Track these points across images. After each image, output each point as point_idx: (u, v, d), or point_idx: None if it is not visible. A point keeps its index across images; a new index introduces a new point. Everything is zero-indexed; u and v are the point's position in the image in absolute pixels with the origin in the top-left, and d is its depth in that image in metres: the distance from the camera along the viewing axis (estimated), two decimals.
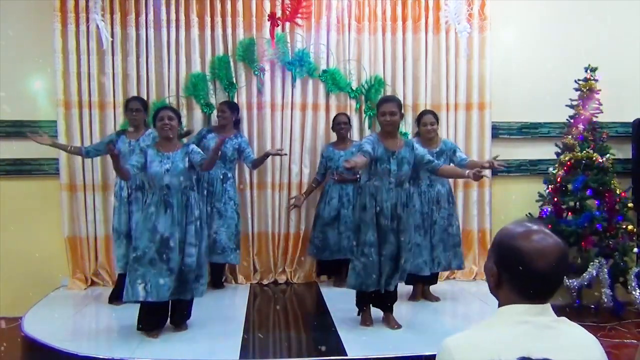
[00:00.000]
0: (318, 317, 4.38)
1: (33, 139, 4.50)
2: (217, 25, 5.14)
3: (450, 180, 4.83)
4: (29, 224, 5.03)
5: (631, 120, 5.32)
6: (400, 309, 4.13)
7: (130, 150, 4.46)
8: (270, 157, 5.06)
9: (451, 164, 4.38)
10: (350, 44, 5.29)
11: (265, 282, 5.27)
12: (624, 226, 4.82)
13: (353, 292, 3.99)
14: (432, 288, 4.70)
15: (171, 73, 5.13)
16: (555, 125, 5.37)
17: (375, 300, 3.96)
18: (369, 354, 3.47)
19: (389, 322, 3.94)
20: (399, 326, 3.91)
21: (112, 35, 5.00)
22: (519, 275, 1.40)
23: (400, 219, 3.80)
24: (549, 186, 5.00)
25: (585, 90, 4.96)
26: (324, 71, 5.24)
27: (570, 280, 4.64)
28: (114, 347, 3.63)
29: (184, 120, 4.95)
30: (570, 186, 4.91)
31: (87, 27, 4.98)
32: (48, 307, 4.55)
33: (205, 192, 4.79)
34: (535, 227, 1.43)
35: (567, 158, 4.94)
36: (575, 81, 5.01)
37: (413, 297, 4.63)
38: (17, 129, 4.94)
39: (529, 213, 5.01)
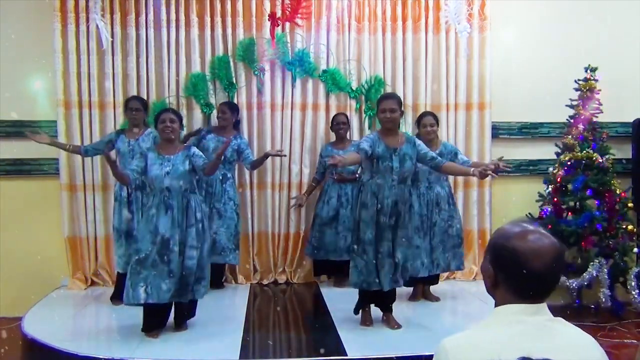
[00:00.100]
0: (318, 317, 4.39)
1: (32, 138, 4.51)
2: (217, 25, 5.14)
3: (451, 180, 4.83)
4: (29, 224, 5.03)
5: (631, 120, 5.32)
6: (400, 309, 4.13)
7: (129, 149, 4.46)
8: (270, 157, 5.06)
9: None
10: (350, 44, 5.29)
11: (265, 282, 5.27)
12: (624, 226, 4.82)
13: (353, 292, 3.99)
14: (432, 288, 4.70)
15: (171, 73, 5.13)
16: (555, 125, 5.37)
17: (376, 300, 3.96)
18: (369, 354, 3.47)
19: (389, 322, 3.94)
20: (399, 326, 3.91)
21: (112, 35, 5.01)
22: (514, 276, 1.41)
23: (399, 216, 3.80)
24: (549, 186, 5.00)
25: (585, 90, 4.96)
26: (324, 71, 5.24)
27: (570, 280, 4.64)
28: (114, 347, 3.63)
29: (184, 121, 4.95)
30: (570, 186, 4.91)
31: (87, 27, 4.98)
32: (48, 307, 4.55)
33: (204, 192, 4.79)
34: (530, 227, 1.44)
35: (567, 158, 4.95)
36: (575, 81, 5.01)
37: (413, 297, 4.63)
38: (17, 129, 4.94)
39: (529, 213, 5.01)
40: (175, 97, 5.14)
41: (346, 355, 3.47)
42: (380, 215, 3.77)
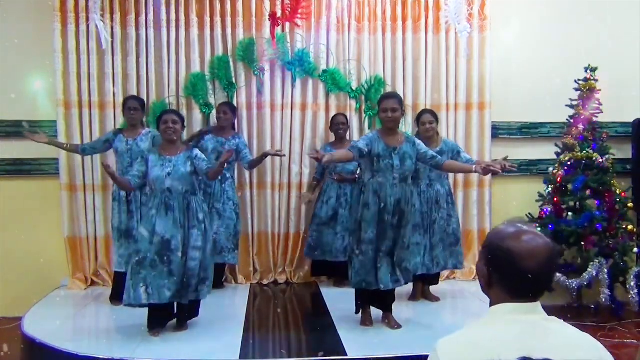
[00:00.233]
0: (318, 317, 4.38)
1: (30, 138, 4.51)
2: (217, 25, 5.14)
3: (451, 180, 4.83)
4: (29, 224, 5.04)
5: (631, 120, 5.32)
6: (400, 309, 4.13)
7: (127, 149, 4.47)
8: (270, 158, 5.06)
9: None
10: (350, 44, 5.29)
11: (265, 282, 5.27)
12: (624, 226, 4.83)
13: (353, 292, 3.99)
14: (432, 288, 4.70)
15: (171, 73, 5.13)
16: (555, 125, 5.37)
17: (375, 300, 3.96)
18: (369, 354, 3.47)
19: (389, 322, 3.94)
20: (399, 326, 3.91)
21: (112, 35, 5.01)
22: (509, 276, 1.43)
23: (402, 215, 3.80)
24: (549, 186, 5.01)
25: (585, 90, 4.96)
26: (324, 71, 5.24)
27: (570, 280, 4.64)
28: (114, 347, 3.63)
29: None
30: (570, 186, 4.91)
31: (87, 27, 4.99)
32: (48, 307, 4.55)
33: (203, 193, 4.78)
34: (525, 227, 1.46)
35: (567, 158, 4.95)
36: (575, 81, 5.01)
37: (413, 297, 4.63)
38: (17, 129, 4.93)
39: (529, 213, 5.01)
40: (175, 97, 5.14)
41: (346, 355, 3.46)
42: (384, 214, 3.76)
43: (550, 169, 5.07)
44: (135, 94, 4.96)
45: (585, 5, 5.36)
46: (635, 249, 4.81)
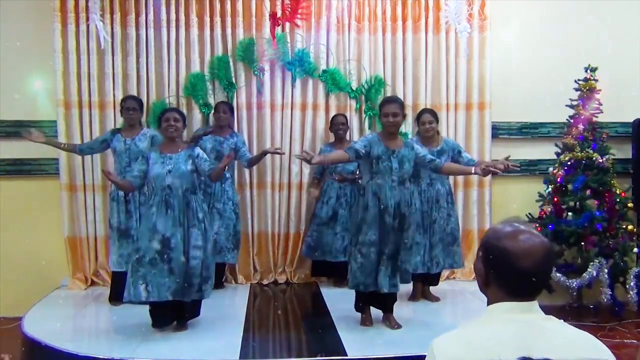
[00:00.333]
0: (318, 317, 4.38)
1: (27, 138, 4.51)
2: (217, 25, 5.14)
3: (451, 180, 4.83)
4: (29, 224, 5.04)
5: (631, 120, 5.32)
6: (400, 309, 4.12)
7: (125, 148, 4.47)
8: (270, 157, 5.06)
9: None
10: (350, 44, 5.28)
11: (265, 282, 5.27)
12: (624, 226, 4.83)
13: (353, 292, 3.98)
14: (432, 288, 4.70)
15: (171, 73, 5.13)
16: (555, 125, 5.37)
17: (375, 301, 3.96)
18: (369, 354, 3.47)
19: (389, 322, 3.94)
20: (399, 326, 3.91)
21: (112, 35, 5.01)
22: (506, 275, 1.44)
23: (403, 218, 3.80)
24: (549, 186, 5.01)
25: (585, 90, 4.96)
26: (324, 71, 5.24)
27: (570, 280, 4.64)
28: (114, 347, 3.63)
29: None
30: (570, 186, 4.91)
31: (87, 27, 4.99)
32: (48, 307, 4.55)
33: (203, 192, 4.78)
34: (521, 227, 1.47)
35: (567, 158, 4.95)
36: (575, 81, 5.01)
37: (413, 297, 4.63)
38: (17, 129, 4.93)
39: (529, 213, 5.01)
40: (175, 97, 5.14)
41: (346, 355, 3.46)
42: (384, 216, 3.76)
43: (550, 169, 5.07)
44: (135, 94, 4.96)
45: (585, 5, 5.36)
46: (635, 249, 4.81)
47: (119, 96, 5.00)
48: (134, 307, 3.88)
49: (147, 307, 3.84)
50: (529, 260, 1.41)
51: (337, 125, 5.03)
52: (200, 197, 3.94)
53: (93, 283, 5.12)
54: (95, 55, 5.00)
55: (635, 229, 4.87)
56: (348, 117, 5.18)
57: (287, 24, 5.19)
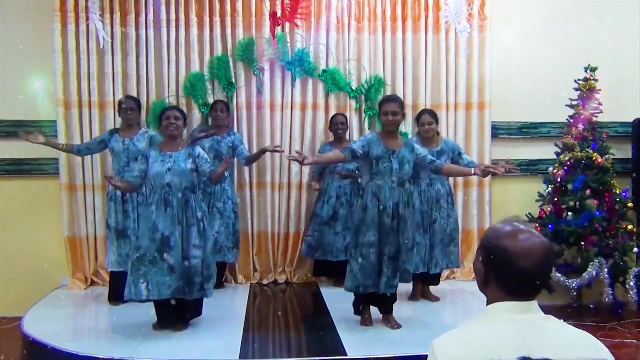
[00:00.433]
0: (318, 317, 4.38)
1: (25, 139, 4.50)
2: (217, 25, 5.14)
3: (451, 180, 4.83)
4: (29, 224, 5.04)
5: (631, 120, 5.32)
6: (400, 309, 4.12)
7: (124, 148, 4.46)
8: (270, 157, 5.06)
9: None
10: (350, 44, 5.29)
11: (265, 282, 5.27)
12: (624, 226, 4.83)
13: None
14: (432, 288, 4.69)
15: (171, 73, 5.13)
16: (555, 125, 5.37)
17: (375, 302, 3.95)
18: (369, 354, 3.47)
19: (389, 322, 3.94)
20: (399, 326, 3.91)
21: (112, 35, 5.01)
22: (505, 275, 1.43)
23: (402, 219, 3.80)
24: (549, 186, 5.01)
25: (585, 90, 4.97)
26: (324, 71, 5.24)
27: (570, 280, 4.64)
28: (114, 347, 3.63)
29: None
30: (570, 186, 4.91)
31: (87, 27, 4.99)
32: (48, 307, 4.55)
33: (202, 192, 4.78)
34: (521, 226, 1.46)
35: (567, 158, 4.95)
36: (575, 81, 5.01)
37: (413, 297, 4.63)
38: (17, 129, 4.93)
39: (529, 213, 5.01)
40: (175, 97, 5.14)
41: (346, 355, 3.46)
42: (384, 217, 3.75)
43: (550, 169, 5.07)
44: (135, 94, 4.97)
45: (585, 5, 5.36)
46: (635, 249, 4.81)
47: (119, 96, 4.99)
48: (134, 307, 3.88)
49: (148, 306, 3.85)
50: (529, 260, 1.40)
51: (337, 125, 5.03)
52: (200, 197, 3.94)
53: (93, 283, 5.12)
54: (95, 55, 5.00)
55: (635, 229, 4.87)
56: (348, 117, 5.18)
57: (287, 24, 5.19)
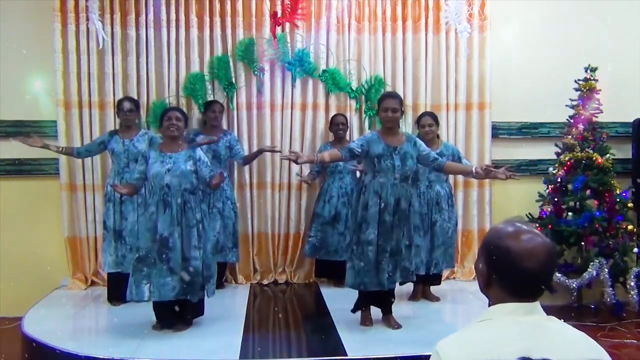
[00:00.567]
0: (318, 317, 4.39)
1: (24, 142, 4.48)
2: (217, 25, 5.14)
3: (451, 180, 4.83)
4: (29, 224, 5.04)
5: (631, 120, 5.32)
6: (400, 309, 4.13)
7: (124, 149, 4.46)
8: (270, 157, 5.06)
9: None
10: (350, 44, 5.28)
11: (265, 282, 5.27)
12: (624, 226, 4.83)
13: (353, 292, 3.97)
14: (433, 288, 4.69)
15: (171, 73, 5.13)
16: (555, 125, 5.37)
17: (376, 300, 3.95)
18: (369, 354, 3.47)
19: (389, 322, 3.94)
20: (399, 326, 3.91)
21: (112, 35, 5.01)
22: (508, 275, 1.42)
23: (402, 215, 3.80)
24: (549, 186, 5.01)
25: (585, 90, 4.97)
26: (324, 71, 5.24)
27: (570, 280, 4.64)
28: (114, 347, 3.62)
29: None
30: (570, 186, 4.91)
31: (87, 27, 4.98)
32: (48, 307, 4.55)
33: (202, 192, 4.77)
34: (524, 227, 1.45)
35: (567, 158, 4.95)
36: (575, 81, 5.01)
37: (413, 297, 4.63)
38: (17, 129, 4.93)
39: (529, 213, 5.01)
40: (175, 97, 5.14)
41: (346, 355, 3.46)
42: (384, 214, 3.75)
43: (550, 169, 5.07)
44: (135, 94, 4.97)
45: (585, 5, 5.36)
46: (635, 249, 4.81)
47: (119, 96, 4.99)
48: (133, 307, 3.88)
49: (148, 306, 3.85)
50: (532, 260, 1.39)
51: (337, 125, 5.03)
52: (199, 198, 3.93)
53: (93, 283, 5.11)
54: (95, 55, 5.00)
55: (635, 229, 4.87)
56: (348, 117, 5.18)
57: (287, 24, 5.19)
